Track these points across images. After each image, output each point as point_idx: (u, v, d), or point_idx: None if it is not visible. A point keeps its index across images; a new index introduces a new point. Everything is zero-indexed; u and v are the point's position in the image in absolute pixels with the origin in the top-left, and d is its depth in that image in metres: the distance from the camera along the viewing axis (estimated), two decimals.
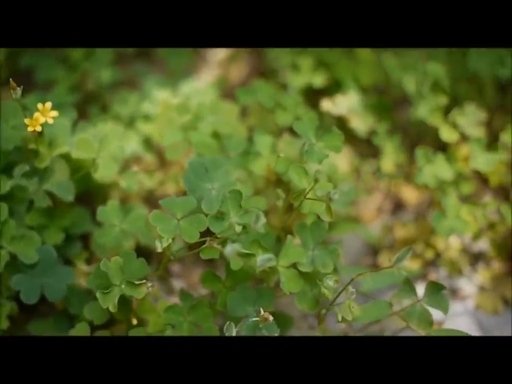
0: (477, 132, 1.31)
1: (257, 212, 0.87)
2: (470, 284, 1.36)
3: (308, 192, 0.94)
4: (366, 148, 1.48)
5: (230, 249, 0.86)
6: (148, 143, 1.33)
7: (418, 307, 1.05)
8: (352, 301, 0.99)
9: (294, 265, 1.01)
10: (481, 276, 1.35)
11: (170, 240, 0.97)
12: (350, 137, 1.46)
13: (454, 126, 1.29)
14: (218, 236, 0.93)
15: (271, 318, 0.93)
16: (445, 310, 1.05)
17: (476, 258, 1.39)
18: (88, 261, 1.22)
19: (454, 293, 1.35)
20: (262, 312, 0.94)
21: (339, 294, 0.99)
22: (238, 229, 0.93)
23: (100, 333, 1.05)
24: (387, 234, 1.36)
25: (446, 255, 1.33)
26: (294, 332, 1.23)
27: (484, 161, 1.25)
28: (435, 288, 1.05)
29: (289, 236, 0.99)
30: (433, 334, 0.99)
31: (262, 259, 0.88)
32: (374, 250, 1.37)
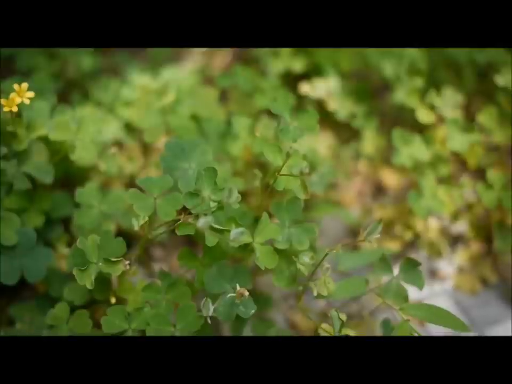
0: (454, 114, 1.32)
1: (230, 187, 0.88)
2: (449, 265, 1.37)
3: (281, 168, 0.95)
4: (346, 132, 1.49)
5: (202, 222, 0.87)
6: (128, 128, 1.34)
7: (394, 283, 1.06)
8: (327, 276, 1.00)
9: (270, 243, 1.01)
10: (460, 257, 1.36)
11: (146, 218, 0.97)
12: (330, 122, 1.48)
13: (431, 107, 1.30)
14: (193, 213, 0.94)
15: (246, 293, 0.94)
16: (420, 286, 1.06)
17: (455, 240, 1.41)
18: (69, 244, 1.23)
19: (433, 273, 1.36)
20: (238, 287, 0.95)
21: (314, 270, 1.00)
22: (213, 205, 0.94)
23: (80, 314, 1.05)
24: (367, 216, 1.37)
25: (425, 236, 1.35)
26: (273, 313, 1.24)
27: (460, 142, 1.26)
28: (411, 265, 1.06)
29: (264, 213, 1.00)
30: (408, 309, 1.00)
31: (235, 232, 0.89)
32: (353, 232, 1.38)
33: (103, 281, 1.10)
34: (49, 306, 1.15)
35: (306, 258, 1.00)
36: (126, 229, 1.24)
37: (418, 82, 1.30)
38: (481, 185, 1.24)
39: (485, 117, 1.28)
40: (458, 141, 1.26)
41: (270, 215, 1.04)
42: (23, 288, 1.23)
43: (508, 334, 1.27)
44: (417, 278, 1.06)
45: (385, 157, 1.46)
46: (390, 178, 1.46)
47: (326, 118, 1.47)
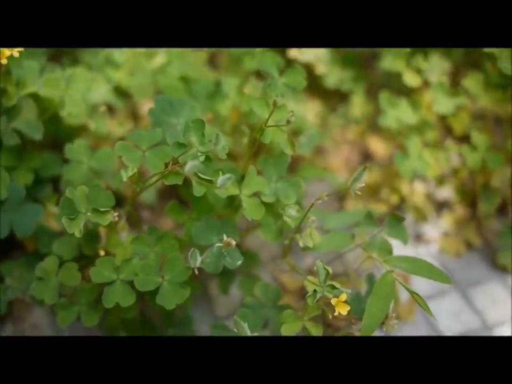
0: (441, 79, 1.34)
1: (218, 133, 0.89)
2: (434, 229, 1.39)
3: (268, 119, 0.96)
4: (335, 100, 1.50)
5: (189, 166, 0.88)
6: (118, 91, 1.34)
7: (378, 238, 1.08)
8: (313, 228, 1.01)
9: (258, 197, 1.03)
10: (445, 221, 1.38)
11: (135, 170, 0.98)
12: (319, 90, 1.49)
13: (418, 71, 1.32)
14: (180, 162, 0.95)
15: (233, 242, 0.95)
16: (404, 240, 1.08)
17: (441, 205, 1.43)
18: (59, 204, 1.24)
19: (419, 237, 1.38)
20: (225, 237, 0.96)
21: (300, 223, 1.01)
22: (201, 157, 0.96)
23: (69, 266, 1.06)
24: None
25: (411, 200, 1.37)
26: (262, 273, 1.25)
27: (445, 105, 1.28)
28: (395, 220, 1.08)
29: (251, 166, 1.01)
30: (392, 261, 1.02)
31: (222, 179, 0.90)
32: (341, 196, 1.40)
33: (92, 236, 1.11)
34: (38, 263, 1.17)
35: (292, 211, 1.02)
36: (116, 190, 1.25)
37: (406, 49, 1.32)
38: (466, 147, 1.25)
39: (471, 82, 1.30)
40: (443, 104, 1.28)
41: (258, 172, 1.06)
42: (13, 247, 1.24)
43: (489, 294, 1.30)
44: (401, 233, 1.08)
45: (373, 124, 1.47)
46: (378, 146, 1.48)
47: (315, 87, 1.48)
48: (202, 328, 1.21)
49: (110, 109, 1.38)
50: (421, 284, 1.30)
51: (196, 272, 1.00)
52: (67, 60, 1.41)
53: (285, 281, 1.25)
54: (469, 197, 1.38)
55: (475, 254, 1.36)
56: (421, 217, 1.38)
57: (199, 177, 0.93)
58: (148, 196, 1.37)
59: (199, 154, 0.93)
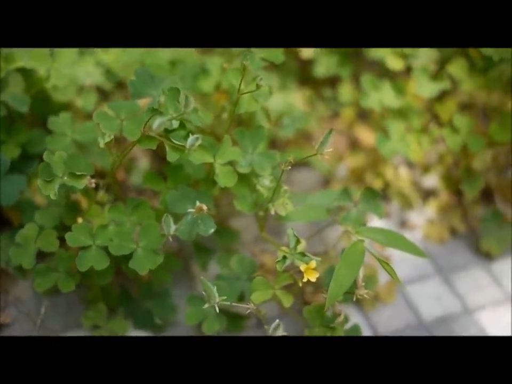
0: (428, 66, 1.35)
1: (186, 94, 0.91)
2: (419, 215, 1.39)
3: (240, 84, 0.98)
4: (324, 91, 1.52)
5: (158, 123, 0.90)
6: (107, 74, 1.37)
7: (353, 212, 1.09)
8: (286, 198, 1.02)
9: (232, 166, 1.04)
10: (430, 207, 1.39)
11: (112, 137, 1.01)
12: (309, 81, 1.51)
13: (403, 57, 1.33)
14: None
15: (205, 207, 0.97)
16: (379, 214, 1.09)
17: (426, 194, 1.43)
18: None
19: (403, 224, 1.39)
20: (198, 204, 0.98)
21: (274, 191, 1.02)
22: (175, 124, 0.98)
23: (48, 233, 1.08)
24: (338, 163, 1.40)
25: (395, 185, 1.37)
26: (242, 253, 1.26)
27: (428, 88, 1.29)
28: (370, 195, 1.09)
29: (226, 135, 1.03)
30: (364, 232, 1.03)
31: (190, 139, 0.92)
32: (325, 180, 1.41)
33: (72, 206, 1.13)
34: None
35: (266, 181, 1.03)
36: (101, 169, 1.28)
37: None
38: (447, 130, 1.26)
39: (455, 67, 1.31)
40: (426, 88, 1.29)
41: (235, 144, 1.07)
42: (0, 223, 1.27)
43: (471, 279, 1.29)
44: (376, 207, 1.09)
45: (362, 113, 1.49)
46: (366, 136, 1.49)
47: (304, 77, 1.51)
48: (183, 304, 1.22)
49: (102, 92, 1.41)
50: (403, 268, 1.30)
51: (170, 239, 1.01)
52: None
53: (265, 260, 1.26)
54: (455, 184, 1.38)
55: (459, 241, 1.36)
56: (407, 204, 1.39)
57: (172, 142, 0.95)
58: (137, 179, 1.39)
59: (173, 124, 0.95)
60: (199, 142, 0.93)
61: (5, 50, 1.16)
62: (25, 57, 1.19)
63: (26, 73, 1.18)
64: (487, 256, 1.33)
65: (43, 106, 1.27)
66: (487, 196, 1.38)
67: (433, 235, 1.36)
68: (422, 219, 1.39)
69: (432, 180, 1.43)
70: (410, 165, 1.43)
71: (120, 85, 1.42)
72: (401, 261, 1.30)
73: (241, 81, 0.97)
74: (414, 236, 1.36)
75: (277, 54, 1.08)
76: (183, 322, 1.16)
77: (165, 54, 1.29)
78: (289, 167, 0.96)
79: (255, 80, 0.96)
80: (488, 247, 1.31)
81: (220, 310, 0.97)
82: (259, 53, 1.09)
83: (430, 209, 1.39)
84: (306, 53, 1.39)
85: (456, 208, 1.38)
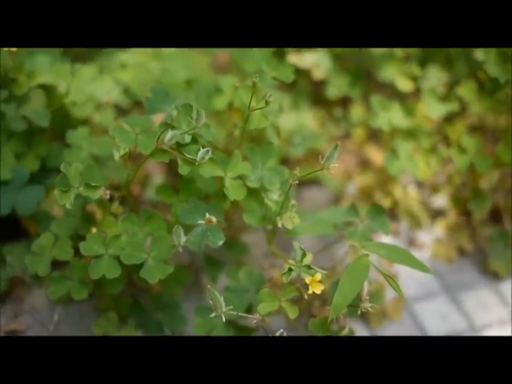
0: (437, 88, 1.38)
1: (197, 108, 0.94)
2: (427, 235, 1.41)
3: (250, 101, 1.01)
4: (336, 112, 1.55)
5: (169, 136, 0.93)
6: (125, 92, 1.42)
7: (360, 227, 1.11)
8: (293, 212, 1.05)
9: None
10: (439, 227, 1.40)
11: (127, 150, 1.05)
12: (321, 102, 1.55)
13: (413, 78, 1.36)
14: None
15: (214, 219, 1.00)
16: (385, 231, 1.11)
17: (436, 213, 1.45)
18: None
19: (412, 242, 1.40)
20: (208, 215, 1.01)
21: (282, 205, 1.05)
22: (188, 138, 1.01)
23: (63, 242, 1.12)
24: (348, 182, 1.42)
25: (404, 203, 1.39)
26: (251, 263, 1.28)
27: (436, 109, 1.32)
28: (377, 211, 1.11)
29: (236, 150, 1.06)
30: (369, 247, 1.05)
31: (200, 152, 0.95)
32: (336, 198, 1.43)
33: (87, 217, 1.17)
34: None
35: (274, 195, 1.06)
36: (116, 183, 1.32)
37: (399, 53, 1.36)
38: (455, 150, 1.28)
39: (464, 89, 1.33)
40: (435, 109, 1.32)
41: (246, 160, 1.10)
42: (18, 233, 1.31)
43: (478, 299, 1.30)
44: (383, 223, 1.11)
45: (372, 134, 1.52)
46: (376, 156, 1.52)
47: (317, 98, 1.54)
48: (192, 315, 1.24)
49: (120, 110, 1.46)
50: (410, 285, 1.32)
51: (181, 250, 1.04)
52: (79, 60, 1.50)
53: (274, 274, 1.29)
54: (463, 204, 1.40)
55: (467, 260, 1.38)
56: (416, 223, 1.41)
57: (184, 155, 0.98)
58: (151, 194, 1.43)
59: (186, 139, 0.98)
60: (209, 155, 0.96)
61: (28, 67, 1.22)
62: (47, 73, 1.24)
63: (47, 89, 1.23)
64: (494, 276, 1.34)
65: (62, 122, 1.31)
66: (495, 216, 1.40)
67: (441, 254, 1.37)
68: (430, 238, 1.41)
69: (440, 200, 1.45)
70: (419, 184, 1.45)
71: (138, 103, 1.46)
72: (409, 278, 1.32)
73: (251, 98, 1.01)
74: (422, 255, 1.38)
75: (287, 73, 1.12)
76: (192, 334, 1.18)
77: (180, 73, 1.34)
78: (297, 182, 0.99)
79: (265, 97, 1.00)
80: (496, 267, 1.33)
81: (227, 321, 0.99)
82: (270, 72, 1.13)
83: (439, 229, 1.41)
84: (319, 73, 1.42)
85: (464, 228, 1.40)
